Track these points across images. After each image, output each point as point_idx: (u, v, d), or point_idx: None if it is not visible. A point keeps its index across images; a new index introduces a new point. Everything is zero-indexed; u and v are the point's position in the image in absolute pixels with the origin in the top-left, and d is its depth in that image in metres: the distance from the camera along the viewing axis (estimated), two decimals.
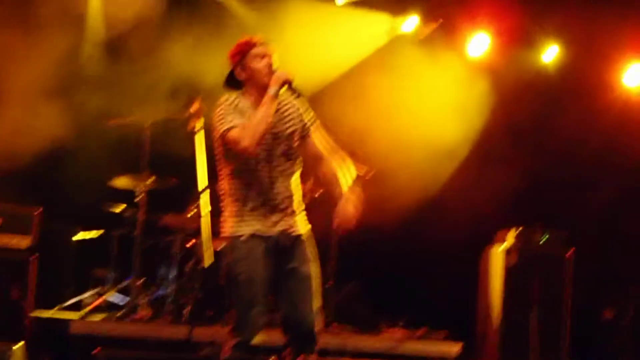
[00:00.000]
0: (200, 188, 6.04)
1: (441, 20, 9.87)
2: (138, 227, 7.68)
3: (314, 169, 5.09)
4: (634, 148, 9.82)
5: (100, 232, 8.30)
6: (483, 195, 9.46)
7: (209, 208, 6.58)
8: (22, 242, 7.17)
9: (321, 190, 7.70)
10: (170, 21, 8.60)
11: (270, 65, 4.93)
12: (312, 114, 5.07)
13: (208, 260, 6.02)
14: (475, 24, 9.87)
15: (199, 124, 7.09)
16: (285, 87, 4.86)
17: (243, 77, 4.99)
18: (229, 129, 4.82)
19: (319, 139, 5.09)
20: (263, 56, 4.95)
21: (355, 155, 8.03)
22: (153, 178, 7.79)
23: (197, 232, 7.56)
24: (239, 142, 4.78)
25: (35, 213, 7.26)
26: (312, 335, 4.97)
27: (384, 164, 8.41)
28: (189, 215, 7.66)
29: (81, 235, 8.35)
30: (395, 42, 9.81)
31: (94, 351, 6.43)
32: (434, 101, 9.49)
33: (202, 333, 7.08)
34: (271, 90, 4.82)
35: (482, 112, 9.77)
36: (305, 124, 5.06)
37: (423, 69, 9.49)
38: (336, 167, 5.02)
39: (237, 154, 4.86)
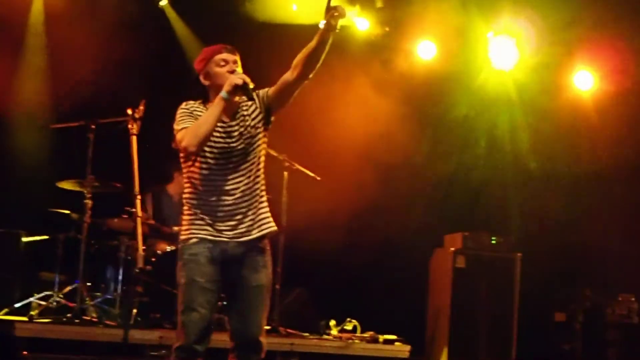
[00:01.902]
0: (135, 191, 6.18)
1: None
2: (84, 231, 7.73)
3: (297, 79, 4.97)
4: (583, 151, 10.05)
5: (46, 236, 8.38)
6: (430, 201, 9.63)
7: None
8: None
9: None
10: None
11: (232, 72, 4.97)
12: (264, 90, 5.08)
13: (141, 262, 6.15)
14: (424, 29, 10.04)
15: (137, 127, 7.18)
16: (237, 91, 4.89)
17: (207, 84, 5.05)
18: (179, 130, 4.90)
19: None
20: (226, 62, 5.01)
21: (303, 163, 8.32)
22: (97, 183, 7.85)
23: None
24: (180, 142, 4.86)
25: None
26: (258, 344, 5.04)
27: (328, 171, 8.56)
28: (123, 217, 7.79)
29: (27, 239, 8.44)
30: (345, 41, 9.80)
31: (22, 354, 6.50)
32: (382, 105, 9.59)
33: (148, 336, 7.21)
34: (222, 93, 4.86)
35: (429, 115, 9.98)
36: (262, 112, 5.07)
37: (369, 72, 9.64)
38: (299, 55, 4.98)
39: (187, 156, 4.96)
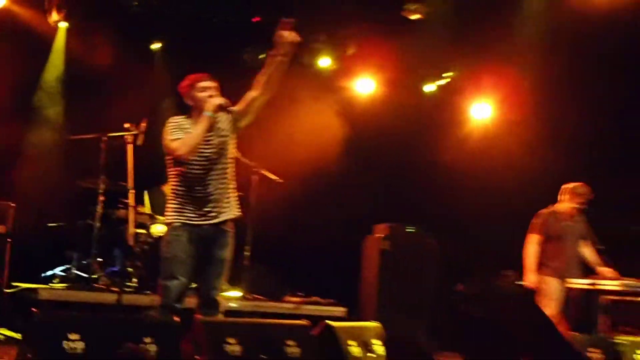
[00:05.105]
0: (129, 186, 6.10)
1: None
2: (97, 219, 7.57)
3: (259, 96, 4.95)
4: (484, 165, 9.93)
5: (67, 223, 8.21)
6: (365, 199, 9.54)
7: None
8: None
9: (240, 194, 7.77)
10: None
11: (211, 96, 4.95)
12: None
13: (131, 240, 6.08)
14: (364, 68, 9.95)
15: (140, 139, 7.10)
16: (219, 110, 4.91)
17: (190, 103, 5.03)
18: (172, 140, 4.89)
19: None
20: (207, 88, 4.99)
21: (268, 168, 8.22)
22: (107, 182, 7.63)
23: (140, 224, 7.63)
24: (177, 151, 4.86)
25: (11, 206, 7.22)
26: (215, 303, 5.07)
27: (290, 176, 8.45)
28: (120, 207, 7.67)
29: (52, 224, 8.27)
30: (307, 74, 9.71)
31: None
32: (332, 124, 9.55)
33: (142, 300, 7.12)
34: (207, 112, 4.87)
35: (368, 134, 9.86)
36: (232, 123, 5.05)
37: (323, 99, 9.58)
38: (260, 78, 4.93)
39: (177, 160, 4.92)
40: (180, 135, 4.89)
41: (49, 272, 7.90)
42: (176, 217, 5.00)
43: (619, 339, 6.23)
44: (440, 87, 10.26)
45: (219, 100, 4.92)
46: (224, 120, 5.06)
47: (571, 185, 7.55)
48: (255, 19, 9.09)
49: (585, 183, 7.56)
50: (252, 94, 5.01)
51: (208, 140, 4.96)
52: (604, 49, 8.55)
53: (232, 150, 5.11)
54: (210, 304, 5.05)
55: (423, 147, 10.02)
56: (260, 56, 9.45)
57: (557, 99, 9.17)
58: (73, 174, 7.91)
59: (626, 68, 8.68)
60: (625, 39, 8.36)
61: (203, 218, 4.99)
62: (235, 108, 5.03)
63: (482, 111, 10.27)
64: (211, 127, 4.96)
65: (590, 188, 7.52)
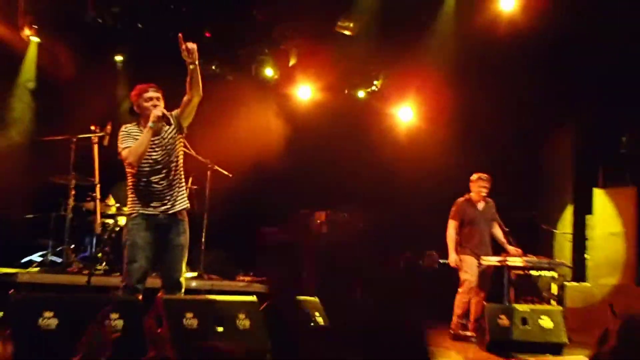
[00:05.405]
0: (95, 181, 6.03)
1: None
2: (68, 210, 7.50)
3: (191, 99, 4.89)
4: (415, 160, 10.01)
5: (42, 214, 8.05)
6: (304, 190, 9.57)
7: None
8: None
9: (195, 187, 7.78)
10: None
11: (155, 106, 4.91)
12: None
13: (98, 228, 6.01)
14: (304, 77, 9.98)
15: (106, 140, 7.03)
16: (160, 120, 4.86)
17: (138, 112, 5.01)
18: (123, 149, 4.88)
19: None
20: (151, 99, 4.96)
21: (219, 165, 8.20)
22: (77, 177, 7.55)
23: (108, 215, 7.54)
24: (127, 159, 4.87)
25: None
26: (179, 284, 5.05)
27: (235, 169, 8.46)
28: (87, 200, 7.57)
29: (29, 216, 8.11)
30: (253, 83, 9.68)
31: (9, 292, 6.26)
32: (274, 125, 9.58)
33: (110, 281, 7.03)
34: (149, 124, 4.86)
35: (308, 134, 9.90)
36: (176, 126, 5.00)
37: (264, 105, 9.56)
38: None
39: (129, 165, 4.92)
40: (130, 143, 4.89)
41: (27, 258, 7.82)
42: (135, 208, 5.03)
43: (523, 307, 6.45)
44: (369, 93, 10.36)
45: (158, 112, 4.88)
46: (168, 128, 5.05)
47: (476, 175, 7.74)
48: (207, 34, 9.04)
49: (486, 173, 7.72)
50: (185, 98, 5.02)
51: (155, 144, 4.95)
52: (509, 57, 8.78)
53: (179, 150, 5.11)
54: (173, 285, 5.05)
55: (355, 145, 10.13)
56: (212, 67, 9.44)
57: (469, 104, 9.38)
58: (46, 171, 7.77)
59: (529, 75, 8.91)
60: (528, 47, 8.59)
61: (158, 210, 5.01)
62: (175, 112, 5.03)
63: (406, 114, 10.42)
64: (157, 132, 4.96)
65: (490, 176, 7.68)
